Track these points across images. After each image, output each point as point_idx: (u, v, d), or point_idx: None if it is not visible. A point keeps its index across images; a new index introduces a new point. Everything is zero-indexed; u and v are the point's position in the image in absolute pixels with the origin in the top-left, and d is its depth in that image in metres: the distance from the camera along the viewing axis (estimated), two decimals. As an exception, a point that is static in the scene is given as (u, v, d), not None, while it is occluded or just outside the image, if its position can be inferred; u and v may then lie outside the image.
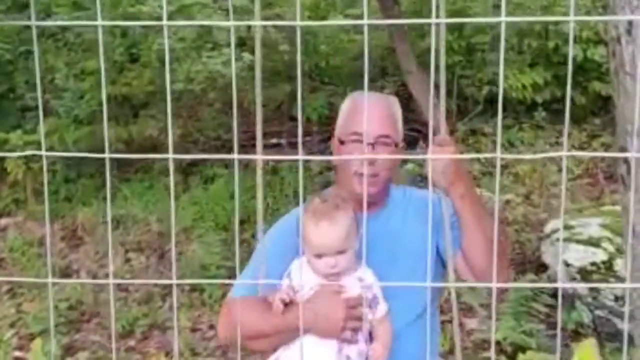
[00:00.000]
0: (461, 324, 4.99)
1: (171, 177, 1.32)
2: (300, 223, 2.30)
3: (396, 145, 2.52)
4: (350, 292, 2.35)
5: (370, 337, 2.38)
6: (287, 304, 2.32)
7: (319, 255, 2.31)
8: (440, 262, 2.56)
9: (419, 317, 2.50)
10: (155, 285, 5.77)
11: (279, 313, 2.31)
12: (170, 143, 1.30)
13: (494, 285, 1.25)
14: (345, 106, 2.63)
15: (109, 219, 1.49)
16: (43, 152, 1.30)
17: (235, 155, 1.29)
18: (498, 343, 4.32)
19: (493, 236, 2.19)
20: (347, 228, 2.32)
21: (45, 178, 1.30)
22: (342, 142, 2.55)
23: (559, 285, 1.33)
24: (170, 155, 1.28)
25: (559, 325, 1.35)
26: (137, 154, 8.27)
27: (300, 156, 1.31)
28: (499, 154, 1.14)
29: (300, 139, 1.36)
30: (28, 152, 1.50)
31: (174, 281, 1.39)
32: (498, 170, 1.15)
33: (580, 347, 0.73)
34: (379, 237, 2.50)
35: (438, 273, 2.58)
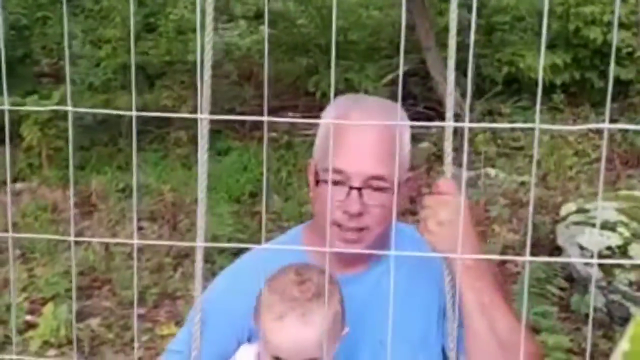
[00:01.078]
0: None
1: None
2: (259, 299, 1.71)
3: (399, 184, 1.72)
4: None
5: None
6: None
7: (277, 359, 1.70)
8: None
9: None
10: (168, 254, 5.76)
11: None
12: (201, 103, 1.27)
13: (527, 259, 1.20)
14: (325, 125, 1.87)
15: (134, 177, 1.44)
16: (69, 108, 1.27)
17: (265, 118, 1.25)
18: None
19: (506, 338, 1.67)
20: (325, 330, 1.64)
21: (71, 134, 1.27)
22: (317, 182, 1.83)
23: (594, 261, 1.29)
24: (200, 116, 1.25)
25: (591, 306, 1.32)
26: (152, 124, 8.26)
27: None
28: (537, 124, 1.11)
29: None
30: (54, 107, 1.46)
31: (199, 244, 1.36)
32: (536, 142, 1.12)
33: (636, 322, 0.70)
34: (367, 305, 1.85)
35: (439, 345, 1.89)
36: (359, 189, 1.76)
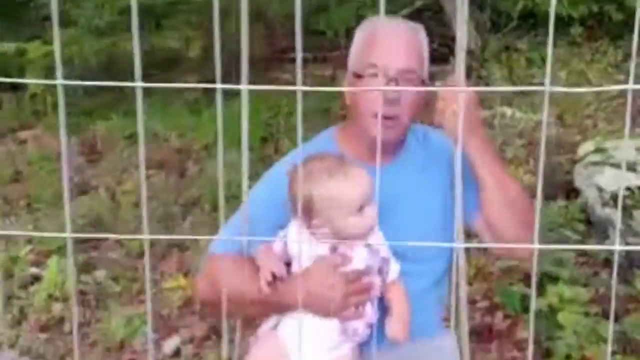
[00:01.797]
0: (486, 249, 4.84)
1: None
2: (299, 189, 1.90)
3: (423, 82, 2.13)
4: (355, 264, 2.00)
5: (381, 304, 2.06)
6: (276, 279, 1.98)
7: (359, 209, 1.94)
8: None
9: (436, 283, 2.23)
10: (176, 202, 5.65)
11: (265, 291, 1.96)
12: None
13: (536, 247, 1.06)
14: (361, 33, 2.20)
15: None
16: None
17: (218, 85, 1.10)
18: (525, 272, 4.18)
19: (516, 198, 2.13)
20: (367, 174, 1.97)
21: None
22: (358, 76, 2.13)
23: (616, 247, 1.14)
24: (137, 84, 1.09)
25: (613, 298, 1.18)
26: (158, 67, 8.09)
27: (299, 87, 1.11)
28: (547, 87, 0.95)
29: (299, 71, 1.15)
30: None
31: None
32: (546, 105, 0.97)
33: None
34: (394, 190, 2.09)
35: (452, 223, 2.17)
36: (395, 79, 2.06)
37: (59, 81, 1.16)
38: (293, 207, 1.97)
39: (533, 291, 1.16)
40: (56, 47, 1.13)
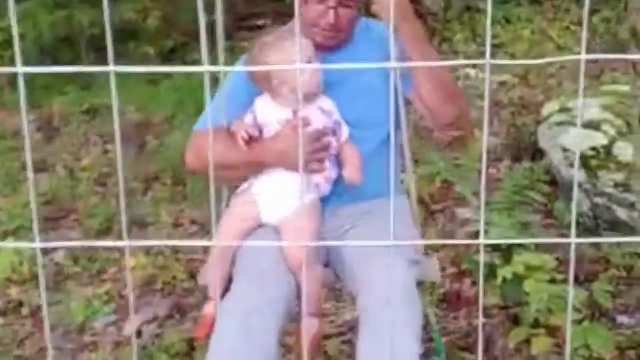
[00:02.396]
0: (453, 214, 4.78)
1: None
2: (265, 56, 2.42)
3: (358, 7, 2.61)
4: (314, 124, 2.48)
5: (338, 162, 2.54)
6: (252, 140, 2.45)
7: (307, 63, 2.40)
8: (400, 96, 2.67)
9: (380, 145, 2.65)
10: (136, 178, 5.52)
11: (243, 149, 2.43)
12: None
13: (573, 241, 0.98)
14: None
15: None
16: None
17: (110, 68, 1.00)
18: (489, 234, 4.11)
19: (443, 77, 2.62)
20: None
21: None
22: (305, 2, 2.57)
23: (572, 240, 1.06)
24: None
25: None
26: (116, 38, 7.88)
27: (206, 67, 1.04)
28: (488, 60, 0.87)
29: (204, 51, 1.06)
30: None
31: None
32: (487, 81, 0.87)
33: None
34: (342, 73, 2.58)
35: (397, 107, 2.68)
36: (335, 7, 2.52)
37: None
38: (256, 78, 2.49)
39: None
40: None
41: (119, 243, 1.09)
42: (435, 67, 2.57)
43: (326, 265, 2.65)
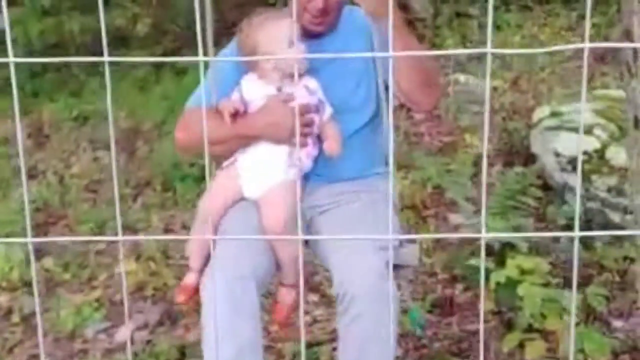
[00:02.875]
0: (445, 219, 4.76)
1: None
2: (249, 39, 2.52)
3: None
4: (298, 100, 2.54)
5: (319, 140, 2.59)
6: (238, 114, 2.52)
7: (291, 44, 2.45)
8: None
9: (362, 128, 2.74)
10: (127, 184, 5.50)
11: (229, 123, 2.49)
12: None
13: (576, 234, 0.96)
14: None
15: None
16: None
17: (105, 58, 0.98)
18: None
19: (422, 65, 2.59)
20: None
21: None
22: None
23: (575, 233, 1.04)
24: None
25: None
26: (107, 45, 7.87)
27: (201, 57, 1.03)
28: (489, 49, 0.85)
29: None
30: None
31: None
32: (488, 69, 0.86)
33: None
34: (326, 57, 2.65)
35: (380, 90, 2.77)
36: None
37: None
38: (243, 55, 2.57)
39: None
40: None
41: (113, 238, 1.08)
42: (416, 57, 2.58)
43: (305, 243, 2.69)
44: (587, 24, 0.88)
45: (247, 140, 2.58)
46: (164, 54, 7.55)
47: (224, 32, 7.82)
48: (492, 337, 3.48)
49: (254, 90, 2.58)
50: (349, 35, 2.75)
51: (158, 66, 7.42)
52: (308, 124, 2.55)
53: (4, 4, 1.10)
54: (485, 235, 0.97)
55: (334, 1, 2.62)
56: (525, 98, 6.11)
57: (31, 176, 5.79)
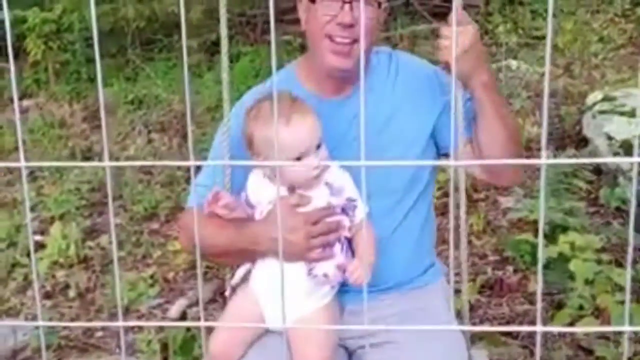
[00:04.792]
0: (495, 202, 4.76)
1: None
2: (252, 131, 1.90)
3: (379, 4, 2.02)
4: (315, 203, 1.93)
5: (351, 245, 1.98)
6: (236, 216, 1.97)
7: (298, 158, 1.87)
8: (435, 148, 2.15)
9: (406, 217, 2.15)
10: (179, 167, 5.57)
11: (231, 229, 1.96)
12: None
13: (544, 161, 0.99)
14: None
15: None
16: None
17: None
18: (535, 222, 4.10)
19: (513, 131, 2.09)
20: (316, 118, 1.90)
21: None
22: (312, 1, 2.00)
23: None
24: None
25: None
26: (161, 32, 8.01)
27: (191, 162, 0.99)
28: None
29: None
30: None
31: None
32: (550, 9, 0.89)
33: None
34: (357, 123, 1.99)
35: (429, 150, 2.14)
36: (350, 2, 1.94)
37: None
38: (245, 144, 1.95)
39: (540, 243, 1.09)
40: None
41: (184, 163, 1.11)
42: (509, 125, 2.06)
43: None
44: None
45: (253, 255, 2.01)
46: (217, 41, 7.61)
47: (276, 19, 7.93)
48: (542, 317, 3.49)
49: (260, 192, 1.99)
50: (392, 89, 2.13)
51: (212, 53, 7.49)
52: (329, 232, 1.93)
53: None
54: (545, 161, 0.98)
55: (365, 23, 1.93)
56: (577, 83, 6.07)
57: (87, 157, 5.91)
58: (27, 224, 4.82)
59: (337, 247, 1.94)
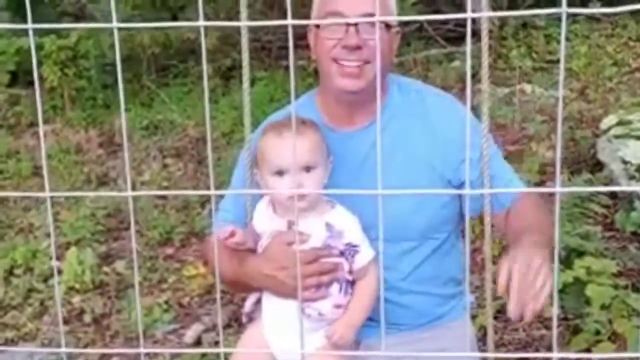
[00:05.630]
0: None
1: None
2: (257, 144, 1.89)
3: (388, 27, 1.95)
4: (312, 241, 1.86)
5: (352, 285, 1.91)
6: (245, 247, 1.92)
7: (279, 173, 1.85)
8: (457, 202, 2.06)
9: (424, 262, 2.05)
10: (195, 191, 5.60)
11: (235, 260, 1.93)
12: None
13: (558, 189, 0.99)
14: None
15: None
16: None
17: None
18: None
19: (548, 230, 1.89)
20: (316, 142, 1.86)
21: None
22: (319, 27, 1.96)
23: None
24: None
25: None
26: (176, 58, 8.09)
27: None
28: (564, 8, 0.88)
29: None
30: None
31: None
32: (563, 25, 0.89)
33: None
34: (370, 157, 1.97)
35: (451, 205, 2.05)
36: (356, 24, 1.88)
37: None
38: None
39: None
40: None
41: (204, 192, 1.12)
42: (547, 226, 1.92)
43: None
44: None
45: (253, 289, 2.01)
46: (232, 66, 7.66)
47: (296, 44, 7.98)
48: (558, 342, 3.47)
49: (264, 221, 1.95)
50: (412, 125, 2.03)
51: (227, 78, 7.54)
52: (327, 272, 1.86)
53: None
54: (560, 190, 0.99)
55: (373, 43, 1.89)
56: (592, 107, 6.07)
57: (103, 183, 5.94)
58: (50, 250, 4.86)
59: (335, 288, 1.88)
